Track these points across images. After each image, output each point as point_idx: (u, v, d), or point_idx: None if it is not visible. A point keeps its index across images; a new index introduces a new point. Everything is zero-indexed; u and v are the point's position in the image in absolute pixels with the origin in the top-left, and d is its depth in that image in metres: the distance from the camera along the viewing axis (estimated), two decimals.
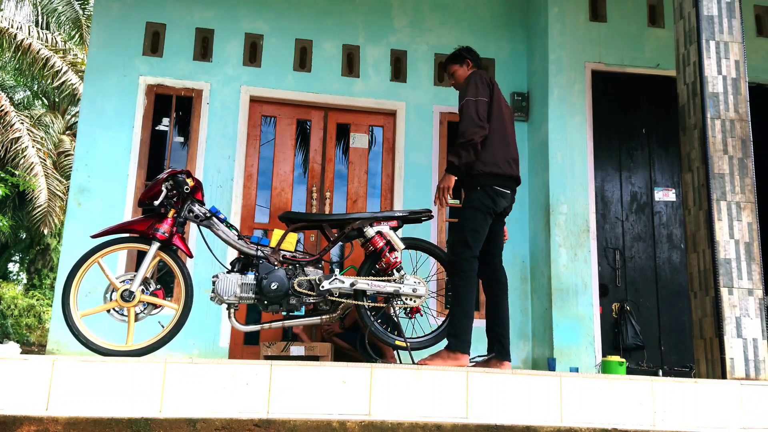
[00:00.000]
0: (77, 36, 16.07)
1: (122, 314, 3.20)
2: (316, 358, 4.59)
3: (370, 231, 3.49)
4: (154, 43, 5.89)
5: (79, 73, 14.44)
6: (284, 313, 3.50)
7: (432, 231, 5.85)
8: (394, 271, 3.47)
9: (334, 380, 2.77)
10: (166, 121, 5.94)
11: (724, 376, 3.27)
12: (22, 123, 14.28)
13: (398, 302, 3.47)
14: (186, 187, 3.31)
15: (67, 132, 16.95)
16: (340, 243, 3.56)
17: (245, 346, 5.52)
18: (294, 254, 3.44)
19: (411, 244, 3.66)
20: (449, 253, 3.64)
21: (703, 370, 3.44)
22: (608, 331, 5.53)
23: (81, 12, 15.94)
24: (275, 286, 3.29)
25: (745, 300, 3.38)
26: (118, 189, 5.57)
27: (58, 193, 14.82)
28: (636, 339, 5.43)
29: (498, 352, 3.64)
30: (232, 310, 3.35)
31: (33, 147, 14.21)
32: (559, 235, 5.52)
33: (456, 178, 3.63)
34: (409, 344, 3.45)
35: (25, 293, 16.46)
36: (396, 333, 3.51)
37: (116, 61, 5.79)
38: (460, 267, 3.51)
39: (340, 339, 4.87)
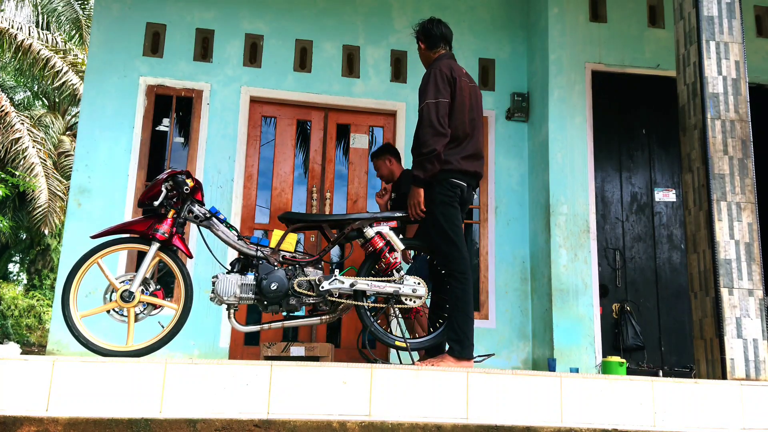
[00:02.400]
0: (77, 36, 16.08)
1: (122, 315, 3.20)
2: (316, 359, 4.59)
3: (370, 231, 3.49)
4: (155, 43, 5.90)
5: (80, 74, 14.45)
6: (284, 314, 3.50)
7: None
8: (394, 271, 3.47)
9: (335, 381, 2.77)
10: (166, 121, 5.94)
11: (724, 377, 3.27)
12: (23, 123, 14.29)
13: (398, 303, 3.46)
14: (186, 187, 3.31)
15: (67, 132, 16.96)
16: (339, 243, 3.56)
17: (245, 346, 5.51)
18: (294, 255, 3.44)
19: (411, 244, 3.65)
20: (438, 259, 3.55)
21: (704, 371, 3.44)
22: (608, 331, 5.53)
23: (81, 12, 15.95)
24: (275, 287, 3.29)
25: (745, 300, 3.37)
26: (118, 189, 5.57)
27: (59, 193, 14.82)
28: (636, 339, 5.43)
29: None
30: (231, 311, 3.35)
31: (33, 147, 14.21)
32: (560, 236, 5.52)
33: (423, 189, 3.51)
34: (409, 345, 3.45)
35: (26, 294, 16.46)
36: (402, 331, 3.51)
37: (116, 62, 5.80)
38: (455, 269, 3.43)
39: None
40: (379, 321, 3.54)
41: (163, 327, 3.20)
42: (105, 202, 5.53)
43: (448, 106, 3.47)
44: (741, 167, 3.55)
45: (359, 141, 6.12)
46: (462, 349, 3.34)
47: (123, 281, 3.19)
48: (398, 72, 6.21)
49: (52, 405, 2.59)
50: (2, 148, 13.86)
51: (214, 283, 3.32)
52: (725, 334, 3.32)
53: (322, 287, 3.35)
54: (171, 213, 3.30)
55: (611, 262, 5.68)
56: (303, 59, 6.09)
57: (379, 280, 3.43)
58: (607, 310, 5.57)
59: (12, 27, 14.06)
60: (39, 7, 15.81)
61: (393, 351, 5.04)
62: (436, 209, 3.48)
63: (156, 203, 3.27)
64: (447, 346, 3.44)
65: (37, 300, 15.72)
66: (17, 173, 12.92)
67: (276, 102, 6.00)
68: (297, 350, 4.56)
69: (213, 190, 5.68)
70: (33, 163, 14.14)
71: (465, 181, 3.52)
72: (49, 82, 14.71)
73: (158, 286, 3.26)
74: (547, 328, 5.46)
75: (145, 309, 3.23)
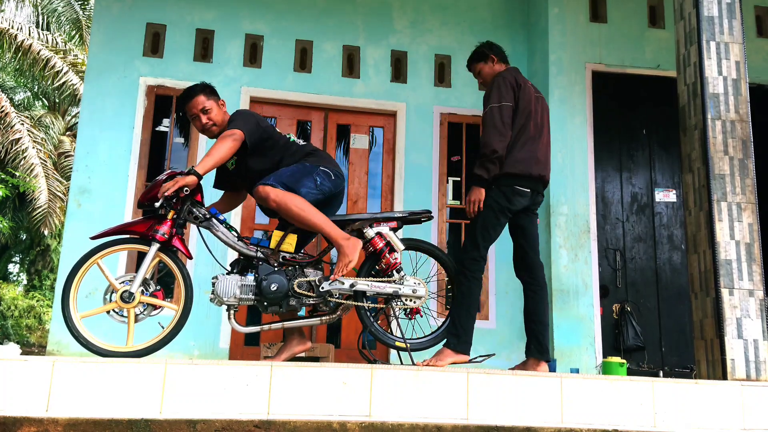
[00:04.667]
0: (77, 36, 16.08)
1: (122, 315, 3.19)
2: (316, 359, 4.59)
3: (370, 232, 3.48)
4: (155, 43, 5.90)
5: (80, 74, 14.46)
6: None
7: (432, 232, 5.85)
8: (394, 272, 3.47)
9: (335, 381, 2.77)
10: (166, 121, 5.94)
11: (724, 377, 3.27)
12: (23, 124, 14.30)
13: (398, 303, 3.46)
14: (185, 188, 3.30)
15: (67, 133, 16.96)
16: None
17: (245, 347, 5.51)
18: (294, 255, 3.43)
19: (411, 244, 3.65)
20: (460, 252, 3.61)
21: (704, 371, 3.43)
22: (609, 332, 5.52)
23: (81, 12, 15.95)
24: (275, 288, 3.28)
25: (745, 301, 3.37)
26: (118, 190, 5.56)
27: (59, 194, 14.82)
28: (636, 340, 5.42)
29: (536, 350, 3.55)
30: (231, 312, 3.34)
31: (33, 148, 14.22)
32: (560, 236, 5.51)
33: (484, 189, 3.57)
34: (409, 345, 3.45)
35: (26, 294, 16.47)
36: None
37: (116, 62, 5.79)
38: (467, 266, 3.51)
39: None
40: (379, 321, 3.54)
41: (163, 328, 3.19)
42: (105, 203, 5.52)
43: (512, 109, 3.56)
44: (741, 167, 3.55)
45: (359, 141, 6.11)
46: (458, 342, 3.40)
47: (123, 282, 3.19)
48: (398, 72, 6.21)
49: (52, 405, 2.59)
50: (2, 148, 13.86)
51: (214, 284, 3.31)
52: (726, 335, 3.32)
53: (322, 288, 3.34)
54: (171, 214, 3.29)
55: (611, 263, 5.68)
56: (303, 59, 6.09)
57: (379, 281, 3.43)
58: (607, 311, 5.57)
59: (12, 27, 14.06)
60: (39, 8, 15.81)
61: (393, 351, 5.04)
62: (487, 210, 3.56)
63: (156, 204, 3.27)
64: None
65: (37, 300, 15.73)
66: (17, 174, 12.92)
67: (276, 102, 6.00)
68: None
69: (213, 191, 5.66)
70: (33, 163, 14.15)
71: (529, 186, 3.58)
72: (49, 83, 14.72)
73: (158, 287, 3.26)
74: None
75: (145, 310, 3.22)
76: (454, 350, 3.39)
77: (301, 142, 3.67)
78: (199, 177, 3.32)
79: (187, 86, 3.66)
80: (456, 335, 3.43)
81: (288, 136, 3.67)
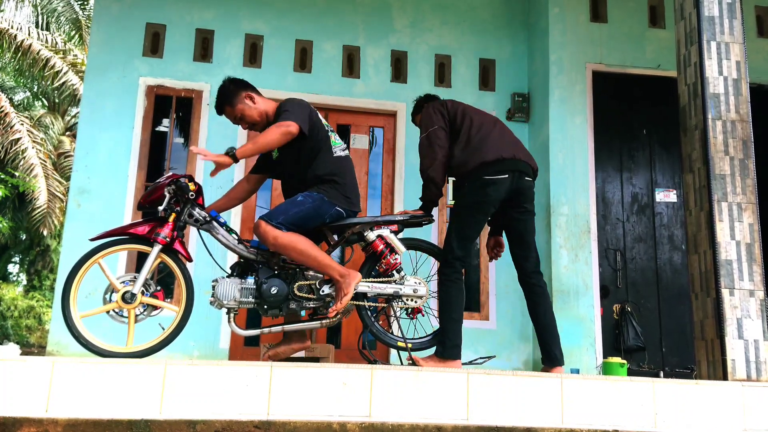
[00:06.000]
0: (77, 36, 16.08)
1: (122, 315, 3.18)
2: (316, 360, 4.58)
3: (371, 235, 3.47)
4: (154, 43, 5.89)
5: (79, 74, 14.45)
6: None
7: (432, 231, 5.84)
8: (394, 272, 3.46)
9: (335, 382, 2.76)
10: (166, 122, 5.93)
11: (725, 378, 3.26)
12: (22, 124, 14.29)
13: (399, 303, 3.45)
14: (190, 192, 3.29)
15: (67, 133, 16.96)
16: (340, 247, 3.55)
17: (245, 347, 5.51)
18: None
19: (411, 244, 3.64)
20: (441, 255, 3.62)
21: (705, 372, 3.43)
22: (609, 332, 5.52)
23: (81, 12, 15.95)
24: (275, 291, 3.27)
25: (746, 301, 3.37)
26: (118, 190, 5.56)
27: (58, 194, 14.82)
28: (637, 340, 5.42)
29: (546, 358, 3.52)
30: (231, 315, 3.33)
31: (33, 148, 14.21)
32: (560, 236, 5.51)
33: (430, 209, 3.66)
34: (410, 345, 3.44)
35: (25, 294, 16.47)
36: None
37: (116, 62, 5.79)
38: (443, 271, 3.50)
39: None
40: (380, 322, 3.54)
41: (163, 329, 3.19)
42: (104, 203, 5.52)
43: (443, 129, 3.58)
44: (742, 168, 3.54)
45: (359, 141, 6.11)
46: (444, 349, 3.37)
47: (124, 282, 3.18)
48: (398, 72, 6.20)
49: (51, 406, 2.59)
50: (2, 148, 13.86)
51: (213, 287, 3.30)
52: (726, 335, 3.31)
53: (322, 291, 3.34)
54: (172, 216, 3.28)
55: (612, 263, 5.67)
56: (303, 59, 6.09)
57: (380, 281, 3.42)
58: (607, 311, 5.56)
59: (12, 27, 14.05)
60: (39, 8, 15.80)
61: (393, 352, 5.04)
62: (455, 209, 3.57)
63: (160, 208, 3.26)
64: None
65: (37, 301, 15.73)
66: (17, 174, 12.91)
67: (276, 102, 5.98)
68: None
69: (213, 191, 5.64)
70: (32, 163, 14.14)
71: (501, 170, 3.48)
72: (48, 83, 14.71)
73: (158, 288, 3.25)
74: None
75: (144, 310, 3.21)
76: (440, 357, 3.36)
77: (340, 151, 3.54)
78: (235, 160, 3.24)
79: (216, 96, 3.60)
80: (442, 343, 3.40)
81: (328, 132, 3.55)
